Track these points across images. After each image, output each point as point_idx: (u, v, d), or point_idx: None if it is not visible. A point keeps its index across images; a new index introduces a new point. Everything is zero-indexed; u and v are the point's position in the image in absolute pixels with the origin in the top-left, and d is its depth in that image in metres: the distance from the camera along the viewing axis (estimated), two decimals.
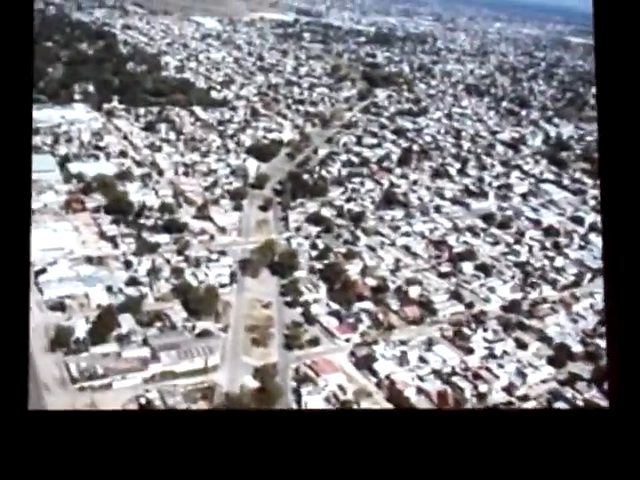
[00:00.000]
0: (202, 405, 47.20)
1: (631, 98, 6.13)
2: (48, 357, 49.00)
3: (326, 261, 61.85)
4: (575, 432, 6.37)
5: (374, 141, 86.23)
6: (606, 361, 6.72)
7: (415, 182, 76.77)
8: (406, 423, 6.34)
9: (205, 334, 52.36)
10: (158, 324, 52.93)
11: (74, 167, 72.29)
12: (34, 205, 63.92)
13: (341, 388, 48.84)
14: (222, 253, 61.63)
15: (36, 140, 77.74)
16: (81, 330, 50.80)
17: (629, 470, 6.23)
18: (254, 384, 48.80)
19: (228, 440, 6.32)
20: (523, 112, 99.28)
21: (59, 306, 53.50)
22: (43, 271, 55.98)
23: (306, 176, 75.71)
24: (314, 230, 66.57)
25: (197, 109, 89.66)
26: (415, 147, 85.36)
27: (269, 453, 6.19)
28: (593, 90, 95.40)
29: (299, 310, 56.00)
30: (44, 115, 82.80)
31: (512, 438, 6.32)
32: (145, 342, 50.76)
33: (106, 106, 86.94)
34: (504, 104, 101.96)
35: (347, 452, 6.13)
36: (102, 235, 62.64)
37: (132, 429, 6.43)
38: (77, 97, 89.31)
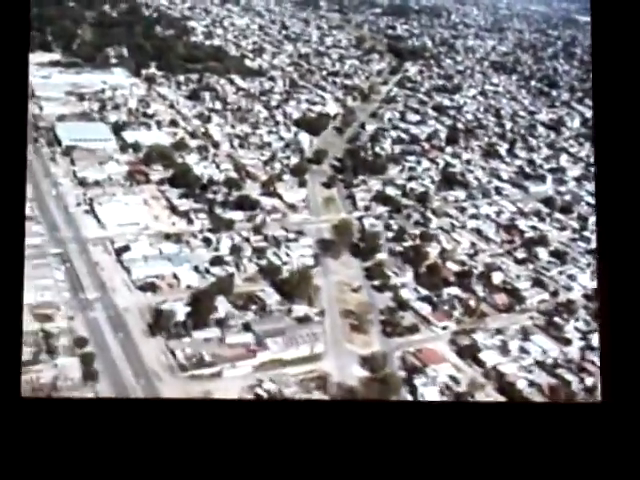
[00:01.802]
0: (318, 395, 44.80)
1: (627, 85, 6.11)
2: (149, 342, 45.92)
3: (405, 243, 59.39)
4: (569, 424, 6.44)
5: (417, 118, 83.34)
6: (599, 356, 6.53)
7: (468, 162, 74.37)
8: (393, 414, 6.23)
9: (305, 320, 49.76)
10: (253, 307, 50.10)
11: (129, 136, 68.09)
12: (98, 176, 60.07)
13: (453, 379, 46.86)
14: (300, 233, 58.68)
15: (83, 106, 73.34)
16: (180, 313, 47.71)
17: (622, 461, 6.36)
18: (363, 373, 46.60)
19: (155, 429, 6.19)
20: (554, 92, 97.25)
21: (149, 287, 50.22)
22: (126, 249, 52.42)
23: (362, 153, 72.51)
24: (382, 210, 63.88)
25: (236, 78, 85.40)
26: (459, 125, 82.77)
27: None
28: None
29: (388, 295, 53.65)
30: (85, 80, 78.06)
31: (506, 430, 6.41)
32: (247, 327, 47.98)
33: (144, 72, 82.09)
34: (533, 83, 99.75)
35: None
36: (173, 210, 59.13)
37: (122, 417, 6.39)
38: (113, 61, 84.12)
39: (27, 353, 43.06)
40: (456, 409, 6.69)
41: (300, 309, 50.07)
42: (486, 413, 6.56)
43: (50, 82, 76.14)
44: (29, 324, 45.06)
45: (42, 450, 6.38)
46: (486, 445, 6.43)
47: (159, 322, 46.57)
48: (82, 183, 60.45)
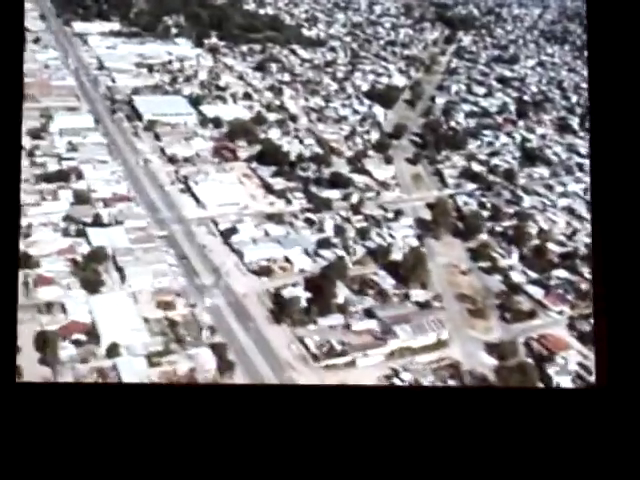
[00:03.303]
0: (452, 384, 42.94)
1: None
2: (275, 330, 43.79)
3: (503, 223, 57.17)
4: (565, 409, 6.62)
5: (483, 90, 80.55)
6: (594, 341, 6.13)
7: (543, 136, 71.90)
8: (403, 400, 6.50)
9: (426, 305, 47.70)
10: (370, 292, 47.95)
11: (208, 110, 65.11)
12: (186, 152, 57.33)
13: (583, 367, 45.05)
14: (399, 212, 56.31)
15: (155, 78, 70.05)
16: (302, 299, 45.54)
17: (617, 446, 6.52)
18: (491, 361, 44.76)
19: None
20: None
21: (264, 271, 47.88)
22: (233, 230, 49.96)
23: (439, 127, 69.90)
24: (472, 187, 61.54)
25: (297, 48, 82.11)
26: (526, 98, 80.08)
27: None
28: None
29: (498, 278, 51.58)
30: (150, 51, 74.73)
31: (503, 416, 6.57)
32: (369, 314, 45.88)
33: (207, 42, 78.68)
34: (586, 53, 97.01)
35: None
36: (268, 189, 56.52)
37: (116, 402, 6.35)
38: (174, 31, 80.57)
39: (158, 343, 41.01)
40: (448, 394, 6.40)
41: (417, 294, 47.92)
42: (478, 398, 6.29)
43: (116, 53, 72.87)
44: (153, 312, 42.92)
45: (39, 436, 6.19)
46: (478, 431, 6.16)
47: (283, 309, 44.30)
48: (172, 160, 57.62)
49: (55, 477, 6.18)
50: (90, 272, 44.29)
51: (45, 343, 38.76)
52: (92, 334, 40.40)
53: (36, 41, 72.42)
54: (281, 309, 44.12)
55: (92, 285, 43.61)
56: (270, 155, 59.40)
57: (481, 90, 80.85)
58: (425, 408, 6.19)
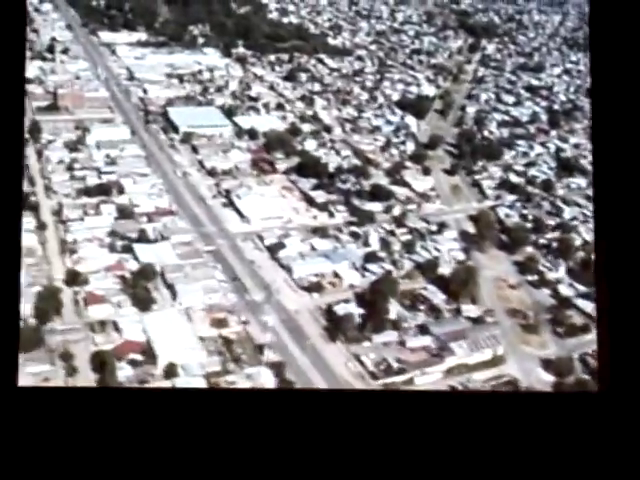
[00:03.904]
0: None
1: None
2: (331, 348, 42.94)
3: (547, 235, 56.36)
4: (564, 415, 5.98)
5: (512, 99, 79.81)
6: (596, 343, 6.12)
7: (577, 146, 71.13)
8: (390, 403, 5.92)
9: (479, 320, 46.86)
10: (421, 307, 47.11)
11: (242, 121, 64.30)
12: (225, 165, 56.49)
13: None
14: (442, 225, 55.47)
15: (186, 89, 69.26)
16: (356, 316, 44.70)
17: (619, 453, 5.84)
18: (549, 378, 43.91)
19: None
20: None
21: (314, 286, 47.03)
22: (281, 245, 49.09)
23: (473, 137, 69.10)
24: (511, 198, 60.73)
25: (324, 57, 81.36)
26: (556, 106, 79.36)
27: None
28: None
29: (547, 291, 50.74)
30: (179, 61, 73.94)
31: (504, 420, 5.93)
32: (423, 329, 45.05)
33: (234, 51, 77.90)
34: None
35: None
36: (310, 202, 55.66)
37: (122, 406, 6.02)
38: (200, 40, 79.78)
39: (215, 362, 40.15)
40: (451, 399, 6.38)
41: (469, 309, 47.06)
42: (479, 403, 6.16)
43: (145, 63, 72.08)
44: (207, 330, 42.06)
45: (41, 441, 5.98)
46: (481, 436, 5.96)
47: (337, 326, 43.44)
48: (211, 173, 56.79)
49: None
50: (140, 289, 43.42)
51: (102, 364, 37.83)
52: (148, 353, 39.46)
53: (65, 52, 71.68)
54: (335, 326, 43.23)
55: (143, 303, 42.74)
56: (309, 167, 58.59)
57: (510, 99, 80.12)
58: (425, 412, 5.95)
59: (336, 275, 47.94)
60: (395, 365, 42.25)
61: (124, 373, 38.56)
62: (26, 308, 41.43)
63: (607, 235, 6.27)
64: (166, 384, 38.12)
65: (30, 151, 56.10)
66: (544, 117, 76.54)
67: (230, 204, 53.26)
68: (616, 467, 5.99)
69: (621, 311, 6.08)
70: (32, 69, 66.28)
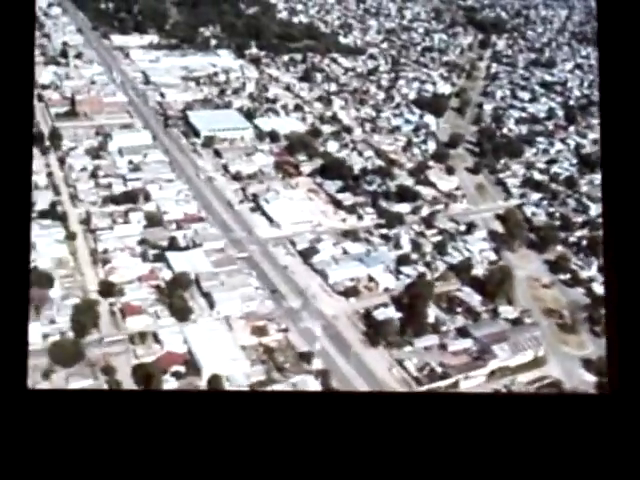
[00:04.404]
0: None
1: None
2: (372, 354, 42.25)
3: (576, 233, 55.77)
4: (572, 417, 5.88)
5: (528, 95, 79.16)
6: (605, 345, 6.04)
7: (595, 142, 70.44)
8: (390, 406, 6.02)
9: (518, 322, 46.24)
10: (458, 309, 46.47)
11: (263, 123, 63.50)
12: (249, 169, 55.72)
13: None
14: (471, 225, 54.81)
15: (203, 92, 68.41)
16: (396, 320, 44.02)
17: (629, 455, 5.76)
18: (591, 378, 43.30)
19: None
20: None
21: (350, 291, 46.35)
22: (313, 250, 48.37)
23: (493, 135, 68.47)
24: (536, 196, 60.15)
25: (337, 57, 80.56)
26: (571, 102, 78.76)
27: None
28: None
29: (580, 290, 50.13)
30: (194, 63, 73.13)
31: (513, 422, 5.86)
32: (462, 332, 44.40)
33: (247, 52, 77.06)
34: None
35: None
36: (337, 204, 54.96)
37: (131, 409, 5.95)
38: (213, 42, 78.91)
39: (259, 372, 39.42)
40: (455, 401, 6.16)
41: (506, 310, 46.45)
42: (487, 405, 6.02)
43: (159, 66, 71.19)
44: (248, 339, 41.36)
45: (50, 444, 5.80)
46: (487, 438, 5.72)
47: (377, 331, 42.77)
48: (236, 178, 55.99)
49: None
50: (177, 299, 42.65)
51: (146, 377, 37.04)
52: (190, 365, 38.70)
53: (78, 56, 70.76)
54: (375, 331, 42.52)
55: (181, 312, 41.97)
56: (333, 169, 57.88)
57: (526, 95, 79.46)
58: (431, 414, 5.88)
59: (371, 279, 47.25)
60: (439, 369, 41.53)
61: (169, 386, 37.76)
62: (63, 322, 40.66)
63: (617, 238, 5.84)
64: None
65: (52, 159, 55.21)
66: (560, 113, 75.86)
67: (258, 209, 52.45)
68: (626, 469, 5.84)
69: (630, 312, 5.83)
70: (47, 74, 65.41)
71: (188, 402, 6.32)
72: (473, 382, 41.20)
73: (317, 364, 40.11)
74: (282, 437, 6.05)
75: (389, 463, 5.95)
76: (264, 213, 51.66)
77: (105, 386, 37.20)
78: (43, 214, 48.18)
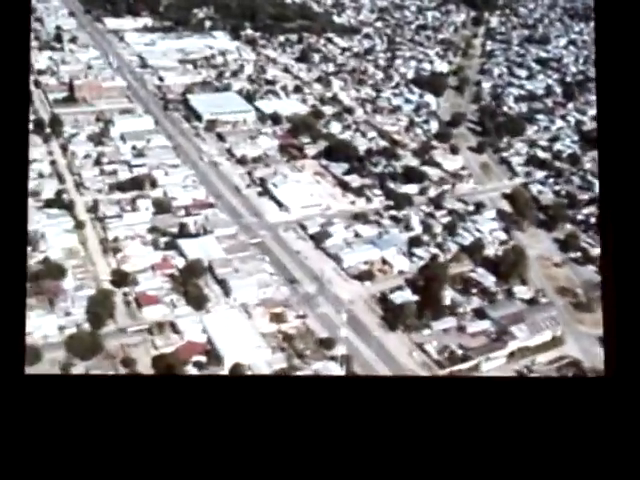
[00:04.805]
0: None
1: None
2: (391, 338, 41.75)
3: (584, 210, 55.39)
4: (571, 400, 5.95)
5: (525, 72, 78.47)
6: (602, 328, 6.25)
7: (594, 118, 69.96)
8: (399, 389, 6.06)
9: (533, 302, 45.86)
10: (473, 290, 46.01)
11: (263, 105, 62.40)
12: (253, 152, 54.78)
13: None
14: (479, 205, 54.25)
15: (202, 75, 67.07)
16: (412, 303, 43.47)
17: (628, 436, 5.82)
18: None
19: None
20: None
21: (364, 275, 45.70)
22: (325, 234, 47.63)
23: (494, 113, 67.78)
24: (541, 174, 59.66)
25: (333, 36, 79.32)
26: (568, 79, 78.16)
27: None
28: None
29: (591, 268, 49.79)
30: (190, 45, 71.72)
31: (507, 407, 5.92)
32: (479, 314, 43.96)
33: (243, 34, 75.66)
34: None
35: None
36: (344, 187, 54.16)
37: (127, 394, 5.99)
38: (208, 24, 77.36)
39: (280, 360, 38.78)
40: (454, 384, 6.08)
41: (520, 290, 46.03)
42: (484, 388, 5.92)
43: (156, 49, 69.68)
44: (267, 326, 40.65)
45: (47, 430, 5.67)
46: (485, 421, 5.66)
47: (395, 315, 42.20)
48: (241, 162, 54.98)
49: (62, 472, 5.84)
50: (192, 287, 41.82)
51: (167, 368, 36.27)
52: (212, 354, 37.96)
53: (73, 40, 69.12)
54: (394, 315, 41.90)
55: (197, 301, 41.17)
56: (338, 151, 57.02)
57: (523, 73, 78.71)
58: (429, 398, 5.90)
59: (385, 262, 46.57)
60: (459, 352, 41.08)
61: None
62: (78, 313, 39.76)
63: (614, 219, 5.85)
64: None
65: (54, 146, 53.91)
66: (558, 90, 75.26)
67: (266, 193, 51.54)
68: (623, 453, 5.84)
69: (628, 296, 5.85)
70: (42, 60, 63.85)
71: (188, 386, 6.24)
72: (494, 364, 40.83)
73: (339, 350, 39.45)
74: (296, 422, 5.98)
75: (393, 445, 5.89)
76: (272, 197, 50.75)
77: None
78: (49, 203, 47.01)
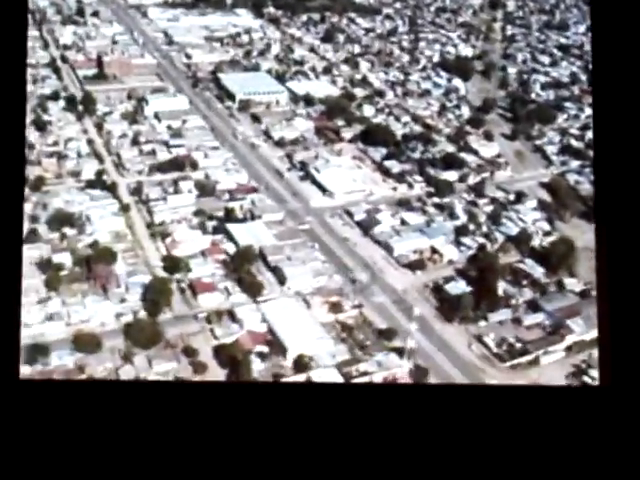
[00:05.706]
0: None
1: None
2: (449, 329, 40.86)
3: None
4: (568, 409, 6.04)
5: (548, 59, 77.44)
6: (597, 339, 6.53)
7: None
8: (395, 397, 6.08)
9: (585, 294, 45.15)
10: (524, 282, 45.22)
11: (295, 87, 60.84)
12: (290, 135, 53.36)
13: None
14: (520, 194, 53.35)
15: (229, 53, 65.19)
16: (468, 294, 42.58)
17: (622, 445, 5.90)
18: None
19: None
20: None
21: (415, 264, 44.71)
22: (375, 222, 46.51)
23: (523, 100, 66.76)
24: (576, 163, 58.89)
25: (355, 17, 77.66)
26: (591, 66, 77.17)
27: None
28: None
29: None
30: (214, 22, 69.73)
31: (505, 414, 5.96)
32: (532, 306, 43.18)
33: (265, 11, 73.73)
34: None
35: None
36: (385, 172, 52.97)
37: (121, 399, 6.03)
38: (229, 0, 75.29)
39: (342, 351, 37.74)
40: (453, 392, 6.01)
41: (571, 282, 45.31)
42: (481, 396, 5.87)
43: (180, 26, 67.61)
44: (325, 316, 39.58)
45: (41, 435, 5.72)
46: (481, 430, 5.69)
47: (451, 306, 41.29)
48: (279, 144, 53.52)
49: (57, 476, 5.77)
50: (245, 274, 40.52)
51: (230, 359, 35.10)
52: (274, 345, 36.81)
53: (95, 14, 66.77)
54: (450, 306, 40.99)
55: (252, 288, 39.93)
56: (375, 135, 55.67)
57: (546, 59, 77.65)
58: (428, 406, 5.81)
59: (434, 251, 45.56)
60: (517, 345, 40.31)
61: (255, 367, 35.87)
62: (133, 300, 38.40)
63: (609, 232, 5.92)
64: (300, 378, 35.63)
65: (88, 124, 52.06)
66: (583, 77, 74.31)
67: (307, 177, 50.20)
68: (619, 460, 5.81)
69: (622, 308, 5.89)
70: (67, 34, 61.60)
71: (184, 392, 6.16)
72: (552, 357, 40.14)
73: (408, 343, 38.48)
74: (294, 428, 6.02)
75: (393, 456, 5.85)
76: (315, 182, 49.40)
77: (189, 369, 35.20)
78: (91, 184, 45.31)
